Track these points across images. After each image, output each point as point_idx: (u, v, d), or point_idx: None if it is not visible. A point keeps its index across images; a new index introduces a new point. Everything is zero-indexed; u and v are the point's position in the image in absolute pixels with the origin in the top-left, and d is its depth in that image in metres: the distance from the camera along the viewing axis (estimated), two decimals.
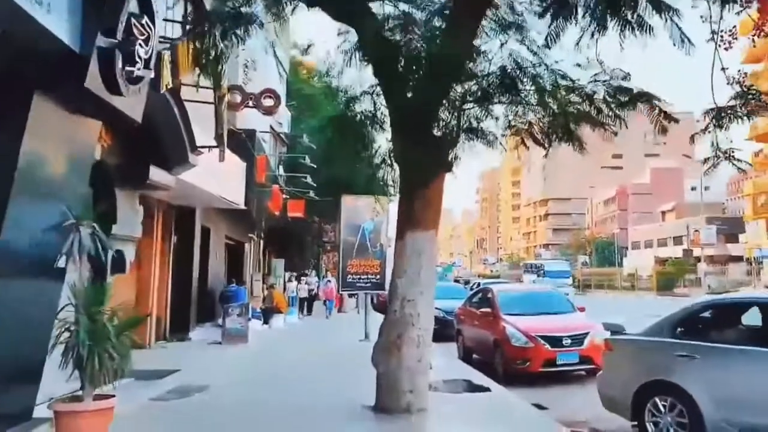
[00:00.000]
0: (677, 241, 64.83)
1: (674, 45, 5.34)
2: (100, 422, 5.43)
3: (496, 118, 7.23)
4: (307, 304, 24.87)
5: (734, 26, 6.23)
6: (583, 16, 5.83)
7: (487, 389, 8.77)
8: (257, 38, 7.17)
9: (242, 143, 15.22)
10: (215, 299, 16.93)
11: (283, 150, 24.79)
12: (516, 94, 6.91)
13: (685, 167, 77.52)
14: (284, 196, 20.56)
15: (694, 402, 5.88)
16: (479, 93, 7.06)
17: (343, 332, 17.38)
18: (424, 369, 7.05)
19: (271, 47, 7.27)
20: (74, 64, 5.18)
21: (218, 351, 13.26)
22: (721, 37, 6.10)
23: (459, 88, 7.09)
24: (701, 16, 6.01)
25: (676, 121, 6.58)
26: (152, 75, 6.17)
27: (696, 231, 56.31)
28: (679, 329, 6.57)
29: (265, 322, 18.20)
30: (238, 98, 13.20)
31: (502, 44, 6.56)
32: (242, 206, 15.51)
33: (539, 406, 8.17)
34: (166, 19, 7.23)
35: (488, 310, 12.07)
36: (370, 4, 6.95)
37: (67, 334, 5.43)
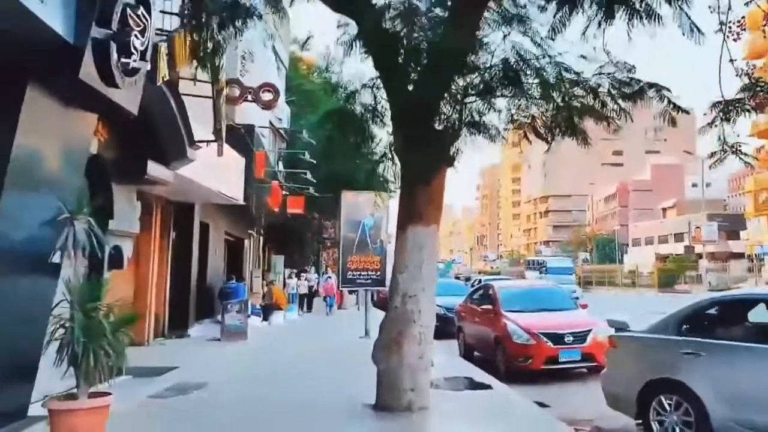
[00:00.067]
0: (678, 238, 64.77)
1: (683, 34, 5.23)
2: (96, 421, 5.34)
3: (499, 111, 7.11)
4: (306, 300, 24.77)
5: (743, 17, 6.10)
6: (590, 6, 5.69)
7: (489, 387, 8.69)
8: (255, 30, 7.05)
9: (241, 138, 15.11)
10: (214, 296, 16.86)
11: (283, 146, 24.68)
12: (519, 87, 6.78)
13: (685, 164, 77.52)
14: (284, 192, 20.47)
15: (699, 400, 5.79)
16: (481, 86, 6.94)
17: (343, 329, 17.31)
18: (426, 366, 6.95)
19: (270, 39, 7.14)
20: (68, 55, 5.07)
21: (217, 348, 13.18)
22: (729, 28, 5.98)
23: (461, 81, 6.98)
24: (709, 7, 5.89)
25: (686, 112, 6.45)
26: (148, 67, 6.05)
27: (697, 228, 56.22)
28: (684, 326, 6.47)
29: (265, 318, 18.13)
30: (237, 92, 13.10)
31: (505, 36, 6.43)
32: (241, 202, 15.43)
33: (541, 404, 8.09)
34: (162, 11, 7.13)
35: (489, 307, 11.99)
36: None
37: (62, 331, 5.35)
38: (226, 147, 11.30)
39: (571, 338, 10.34)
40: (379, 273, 15.01)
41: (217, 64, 6.94)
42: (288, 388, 8.66)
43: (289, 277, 25.25)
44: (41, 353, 5.57)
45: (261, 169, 16.47)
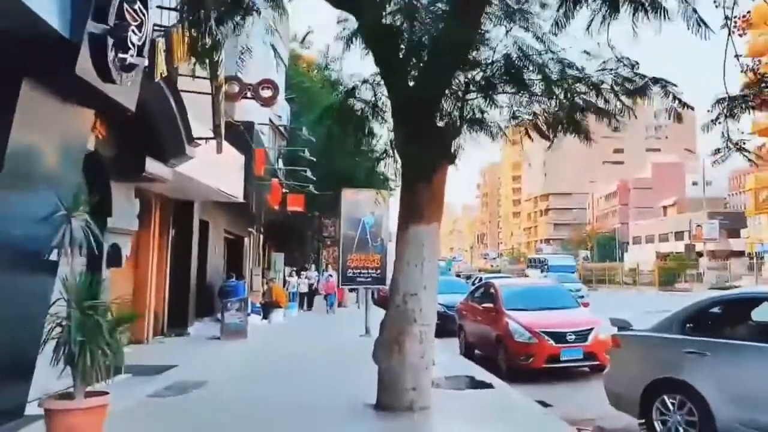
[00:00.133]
0: (678, 236, 64.73)
1: (689, 29, 5.14)
2: (93, 420, 5.29)
3: (501, 107, 7.03)
4: (307, 299, 24.69)
5: (748, 12, 6.01)
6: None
7: (491, 386, 8.63)
8: (254, 26, 6.96)
9: (240, 135, 15.03)
10: (214, 294, 16.80)
11: (283, 143, 24.60)
12: (521, 84, 6.71)
13: (686, 162, 77.44)
14: (284, 189, 20.40)
15: (704, 400, 5.73)
16: (483, 82, 6.86)
17: (343, 327, 17.25)
18: (427, 366, 6.89)
19: (269, 34, 7.06)
20: (64, 51, 5.00)
21: (217, 346, 13.13)
22: (735, 23, 5.89)
23: (462, 77, 6.91)
24: (714, 1, 5.80)
25: (692, 108, 6.37)
26: (146, 63, 5.98)
27: (698, 226, 56.16)
28: (688, 325, 6.40)
29: (265, 317, 18.06)
30: (236, 89, 13.03)
31: (507, 31, 6.35)
32: (241, 199, 15.36)
33: (543, 404, 8.03)
34: (160, 6, 7.05)
35: (491, 305, 11.93)
36: None
37: (58, 330, 5.29)
38: (225, 144, 11.24)
39: (573, 337, 10.28)
40: (379, 271, 14.96)
41: (215, 60, 6.86)
42: (288, 387, 8.59)
43: (290, 275, 25.17)
44: (38, 352, 5.50)
45: (261, 167, 16.39)
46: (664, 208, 78.90)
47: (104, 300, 6.10)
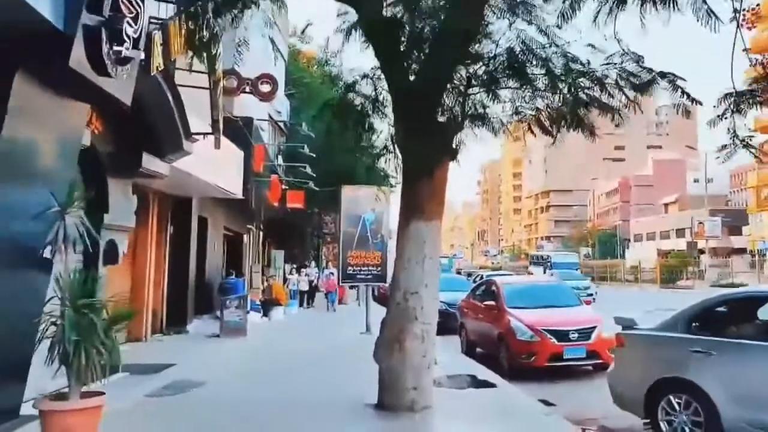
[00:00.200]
0: (680, 233, 64.64)
1: (698, 21, 5.01)
2: (88, 421, 5.21)
3: (505, 102, 6.91)
4: (307, 296, 24.56)
5: (757, 4, 5.89)
6: None
7: (493, 385, 8.57)
8: (254, 18, 6.84)
9: (239, 131, 14.90)
10: (213, 291, 16.71)
11: (282, 139, 24.48)
12: (524, 78, 6.59)
13: (687, 159, 77.36)
14: (283, 186, 20.29)
15: (710, 400, 5.67)
16: (485, 77, 6.74)
17: (343, 325, 17.17)
18: (429, 365, 6.80)
19: (267, 27, 6.93)
20: (58, 43, 4.88)
21: (216, 344, 13.05)
22: (743, 15, 5.76)
23: (464, 72, 6.79)
24: None
25: (700, 103, 6.25)
26: (142, 56, 5.86)
27: (700, 223, 56.04)
28: (694, 324, 6.33)
29: (265, 314, 17.97)
30: (235, 83, 12.93)
31: (510, 23, 6.22)
32: (240, 196, 15.26)
33: (546, 402, 7.97)
34: None
35: (492, 303, 11.86)
36: None
37: (53, 328, 5.21)
38: (224, 140, 11.12)
39: (576, 335, 10.24)
40: (380, 268, 14.88)
41: (213, 53, 6.74)
42: (288, 386, 8.51)
43: (290, 272, 25.06)
44: (33, 351, 5.40)
45: (260, 163, 16.29)
46: (666, 205, 78.83)
47: (100, 298, 6.02)
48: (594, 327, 10.38)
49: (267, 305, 18.47)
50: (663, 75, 6.17)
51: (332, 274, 23.73)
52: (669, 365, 6.18)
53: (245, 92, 13.57)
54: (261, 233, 25.46)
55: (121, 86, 5.77)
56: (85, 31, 4.95)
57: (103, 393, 5.29)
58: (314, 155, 21.11)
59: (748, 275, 44.05)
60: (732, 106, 6.47)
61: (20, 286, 5.71)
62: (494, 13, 6.38)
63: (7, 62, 4.95)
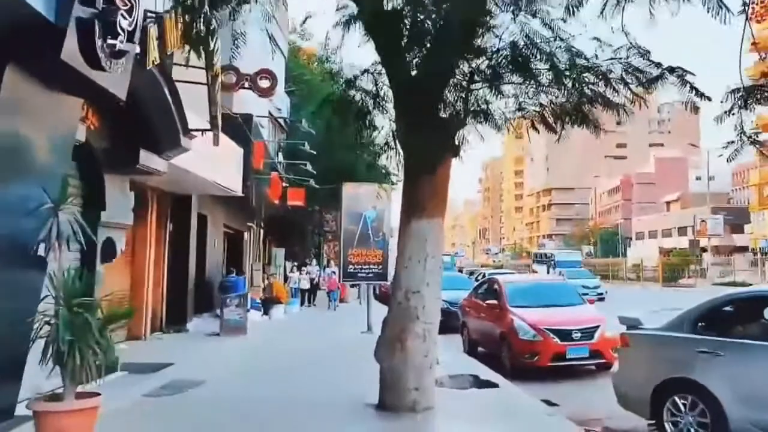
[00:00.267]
0: (681, 231, 64.51)
1: (708, 12, 4.88)
2: (84, 422, 5.14)
3: (508, 97, 6.78)
4: (309, 294, 24.41)
5: None
6: None
7: (495, 385, 8.50)
8: (252, 12, 6.72)
9: (239, 128, 14.78)
10: (213, 289, 16.63)
11: (282, 136, 24.37)
12: (528, 73, 6.45)
13: (689, 157, 77.17)
14: (284, 183, 20.19)
15: (716, 401, 5.60)
16: (488, 71, 6.61)
17: (344, 324, 17.09)
18: (431, 365, 6.71)
19: (266, 20, 6.81)
20: (50, 36, 4.76)
21: (216, 343, 12.97)
22: (752, 8, 5.63)
23: (466, 66, 6.66)
24: None
25: (708, 98, 6.12)
26: (137, 50, 5.75)
27: (703, 221, 55.87)
28: (700, 324, 6.26)
29: (265, 312, 17.88)
30: (233, 79, 12.81)
31: (513, 16, 6.09)
32: (240, 193, 15.14)
33: (549, 403, 7.91)
34: None
35: (495, 301, 11.78)
36: None
37: (47, 328, 5.11)
38: (223, 137, 11.01)
39: (579, 335, 10.18)
40: (381, 267, 14.78)
41: (211, 48, 6.61)
42: (288, 385, 8.45)
43: (291, 270, 24.96)
44: (28, 351, 5.30)
45: (260, 160, 16.16)
46: (668, 203, 78.67)
47: (96, 296, 5.93)
48: (597, 326, 10.33)
49: (267, 303, 18.38)
50: (672, 70, 6.03)
51: (334, 273, 23.63)
52: (675, 365, 6.11)
53: (244, 88, 13.46)
54: (261, 231, 25.38)
55: (115, 80, 5.66)
56: (77, 23, 4.84)
57: (99, 393, 5.20)
58: (314, 152, 21.00)
59: (749, 274, 43.96)
60: (739, 102, 6.34)
61: (14, 284, 5.61)
62: (497, 6, 6.25)
63: None
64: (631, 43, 5.87)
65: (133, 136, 8.45)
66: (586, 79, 6.54)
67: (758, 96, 6.27)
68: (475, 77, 6.73)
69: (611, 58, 6.39)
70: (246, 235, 22.44)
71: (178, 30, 6.16)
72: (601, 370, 9.95)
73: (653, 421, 6.21)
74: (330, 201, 23.38)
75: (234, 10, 6.12)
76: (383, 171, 19.02)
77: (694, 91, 6.05)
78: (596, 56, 6.18)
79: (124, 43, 5.20)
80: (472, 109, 6.92)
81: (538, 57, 6.21)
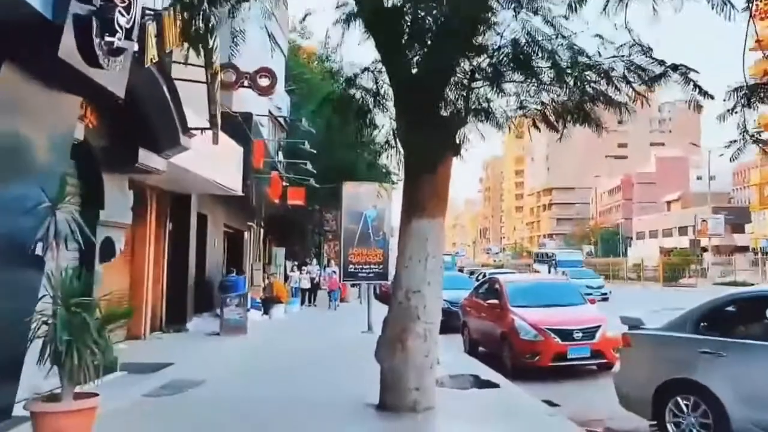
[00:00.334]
0: (682, 231, 64.44)
1: (713, 8, 4.84)
2: (82, 423, 5.10)
3: (510, 95, 6.73)
4: (310, 294, 24.33)
5: None
6: None
7: (496, 385, 8.46)
8: (252, 10, 6.67)
9: (238, 127, 14.73)
10: (213, 289, 16.59)
11: (283, 135, 24.31)
12: (529, 71, 6.40)
13: (690, 156, 77.08)
14: (284, 183, 20.15)
15: (719, 402, 5.56)
16: (489, 69, 6.56)
17: (344, 323, 17.05)
18: (431, 365, 6.67)
19: (266, 17, 6.76)
20: (47, 33, 4.71)
21: (216, 342, 12.93)
22: (756, 5, 5.58)
23: (467, 65, 6.61)
24: None
25: (712, 97, 6.07)
26: (135, 47, 5.70)
27: (704, 221, 55.78)
28: (702, 324, 6.21)
29: (265, 312, 17.84)
30: (233, 77, 12.76)
31: (515, 13, 6.03)
32: (240, 193, 15.09)
33: (550, 403, 7.87)
34: None
35: (496, 301, 11.73)
36: None
37: (45, 328, 5.07)
38: (223, 136, 10.96)
39: (580, 334, 10.15)
40: (381, 266, 14.74)
41: (210, 46, 6.57)
42: (288, 385, 8.41)
43: (291, 269, 24.89)
44: (26, 351, 5.26)
45: (260, 159, 16.11)
46: (668, 203, 78.57)
47: (94, 296, 5.89)
48: (598, 326, 10.29)
49: (268, 303, 18.34)
50: (675, 67, 5.98)
51: (334, 272, 23.58)
52: (677, 366, 6.07)
53: (244, 86, 13.41)
54: (262, 230, 25.33)
55: (113, 78, 5.61)
56: (74, 20, 4.79)
57: (97, 394, 5.16)
58: (315, 151, 20.95)
59: (750, 273, 43.90)
60: (743, 100, 6.29)
61: (12, 284, 5.58)
62: (499, 2, 6.19)
63: None
64: (634, 40, 5.82)
65: (132, 135, 8.41)
66: (588, 78, 6.49)
67: (761, 94, 6.23)
68: (476, 75, 6.67)
69: (613, 56, 6.34)
70: (246, 234, 22.39)
71: (176, 27, 6.12)
72: (603, 371, 9.91)
73: (655, 422, 6.18)
74: (330, 200, 23.34)
75: (233, 8, 6.08)
76: (384, 171, 18.98)
77: (697, 90, 5.99)
78: (599, 53, 6.12)
79: (122, 41, 5.15)
80: (473, 107, 6.87)
81: (540, 55, 6.15)
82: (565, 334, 10.06)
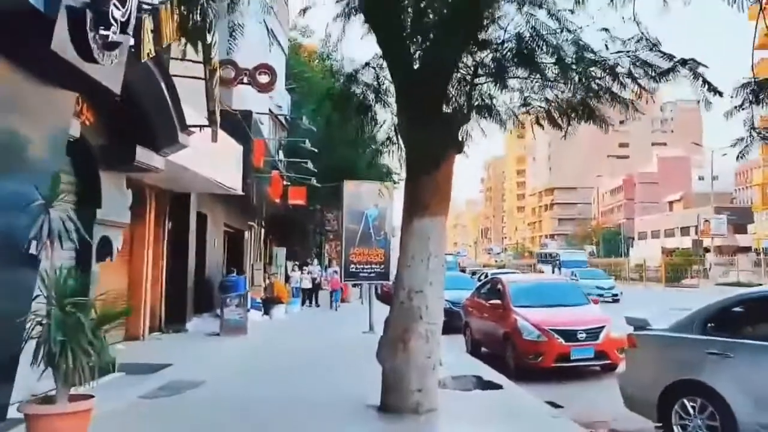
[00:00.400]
0: (684, 231, 64.30)
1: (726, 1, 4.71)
2: (77, 425, 5.02)
3: (513, 90, 6.62)
4: (310, 294, 24.18)
5: None
6: None
7: (499, 386, 8.37)
8: (251, 5, 6.57)
9: (238, 125, 14.62)
10: (213, 289, 16.48)
11: (283, 134, 24.21)
12: (534, 67, 6.29)
13: (692, 156, 76.96)
14: (285, 182, 20.05)
15: (726, 404, 5.47)
16: (493, 65, 6.45)
17: (345, 324, 16.96)
18: (434, 366, 6.57)
19: (265, 12, 6.66)
20: (39, 25, 4.59)
21: (216, 343, 12.84)
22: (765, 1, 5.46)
23: (470, 60, 6.50)
24: None
25: (721, 94, 5.94)
26: (131, 42, 5.59)
27: (706, 221, 55.62)
28: (710, 325, 6.10)
29: (266, 312, 17.74)
30: (232, 74, 12.67)
31: (519, 6, 5.91)
32: (239, 192, 14.97)
33: (554, 404, 7.78)
34: None
35: (498, 301, 11.64)
36: None
37: (39, 328, 4.97)
38: (222, 134, 10.85)
39: (584, 335, 10.05)
40: (383, 266, 14.67)
41: (209, 42, 6.46)
42: (288, 386, 8.33)
43: (293, 269, 24.78)
44: (21, 352, 5.16)
45: (260, 158, 16.00)
46: (670, 203, 78.43)
47: (90, 296, 5.79)
48: (602, 327, 10.20)
49: (268, 303, 18.24)
50: (684, 62, 5.85)
51: (336, 272, 23.46)
52: (683, 367, 5.98)
53: (243, 83, 13.33)
54: (262, 230, 25.24)
55: (109, 73, 5.49)
56: (68, 12, 4.67)
57: (93, 396, 5.07)
58: (316, 150, 20.86)
59: (752, 274, 43.75)
60: (750, 97, 6.18)
61: (6, 284, 5.46)
62: None
63: None
64: (642, 33, 5.69)
65: (130, 132, 8.30)
66: (593, 74, 6.39)
67: None
68: (479, 71, 6.59)
69: (619, 51, 6.24)
70: (247, 234, 22.30)
71: (173, 22, 6.01)
72: (606, 371, 9.85)
73: (661, 424, 6.09)
74: (331, 200, 23.26)
75: (232, 2, 5.97)
76: (384, 170, 18.90)
77: (706, 86, 5.86)
78: (606, 47, 6.01)
79: (117, 35, 5.03)
80: (476, 103, 6.79)
81: (544, 50, 6.06)
82: (569, 335, 9.96)
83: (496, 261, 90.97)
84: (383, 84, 6.90)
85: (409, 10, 6.21)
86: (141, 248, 12.30)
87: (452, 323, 13.21)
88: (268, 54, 11.48)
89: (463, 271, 38.68)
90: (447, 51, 5.96)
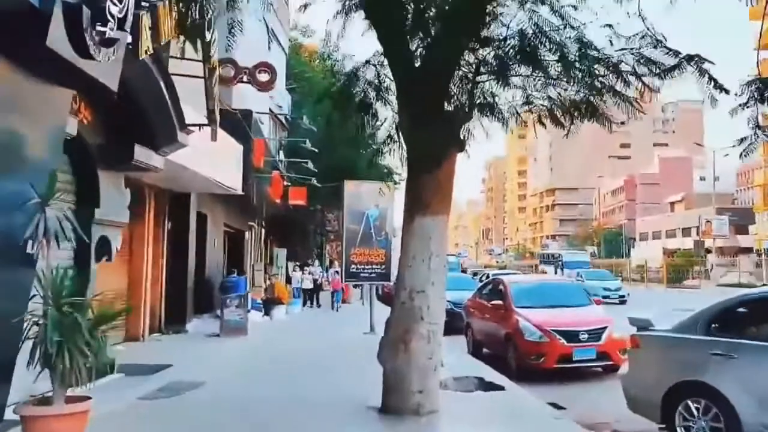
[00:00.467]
0: (686, 232, 64.21)
1: None
2: (74, 427, 4.97)
3: (516, 87, 6.56)
4: (312, 295, 24.09)
5: None
6: None
7: (501, 387, 8.32)
8: (251, 3, 6.51)
9: (238, 124, 14.55)
10: (213, 289, 16.42)
11: (284, 134, 24.15)
12: (536, 65, 6.23)
13: (693, 157, 76.85)
14: (285, 182, 20.00)
15: (730, 405, 5.43)
16: (495, 62, 6.39)
17: (346, 325, 16.90)
18: (435, 367, 6.52)
19: (265, 10, 6.61)
20: (34, 21, 4.53)
21: (216, 344, 12.79)
22: None
23: (472, 57, 6.44)
24: None
25: (727, 91, 5.87)
26: (129, 39, 5.52)
27: (708, 222, 55.52)
28: (713, 325, 6.06)
29: (266, 313, 17.68)
30: (231, 72, 12.60)
31: (522, 2, 5.85)
32: (239, 192, 14.92)
33: (556, 406, 7.73)
34: None
35: (500, 302, 11.57)
36: None
37: (35, 329, 4.91)
38: (222, 133, 10.79)
39: (586, 336, 9.99)
40: (384, 267, 14.64)
41: (208, 40, 6.39)
42: (288, 387, 8.28)
43: (293, 270, 24.71)
44: (17, 352, 5.11)
45: (260, 158, 15.93)
46: (672, 204, 78.33)
47: (87, 296, 5.73)
48: (604, 327, 10.14)
49: (269, 304, 18.19)
50: (690, 58, 5.77)
51: (337, 272, 23.39)
52: (687, 368, 5.94)
53: (243, 82, 13.26)
54: (263, 231, 25.19)
55: (106, 71, 5.43)
56: (64, 8, 4.61)
57: (90, 397, 5.01)
58: (316, 150, 20.81)
59: (753, 275, 43.68)
60: (756, 95, 6.12)
61: (3, 283, 5.39)
62: None
63: None
64: (647, 28, 5.62)
65: (128, 131, 8.23)
66: (597, 71, 6.32)
67: None
68: (481, 68, 6.52)
69: (623, 49, 6.17)
70: (247, 234, 22.25)
71: (172, 19, 5.95)
72: (609, 372, 9.85)
73: (664, 425, 6.05)
74: (332, 200, 23.22)
75: (231, 0, 5.92)
76: (385, 170, 18.85)
77: (712, 83, 5.79)
78: (611, 43, 5.93)
79: (114, 31, 4.95)
80: (478, 101, 6.73)
81: (547, 47, 6.00)
82: (571, 336, 9.90)
83: (497, 262, 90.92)
84: (384, 81, 6.85)
85: (411, 5, 6.14)
86: (140, 248, 12.25)
87: (454, 324, 13.20)
88: (268, 53, 11.40)
89: (465, 271, 38.62)
90: (449, 48, 5.91)
